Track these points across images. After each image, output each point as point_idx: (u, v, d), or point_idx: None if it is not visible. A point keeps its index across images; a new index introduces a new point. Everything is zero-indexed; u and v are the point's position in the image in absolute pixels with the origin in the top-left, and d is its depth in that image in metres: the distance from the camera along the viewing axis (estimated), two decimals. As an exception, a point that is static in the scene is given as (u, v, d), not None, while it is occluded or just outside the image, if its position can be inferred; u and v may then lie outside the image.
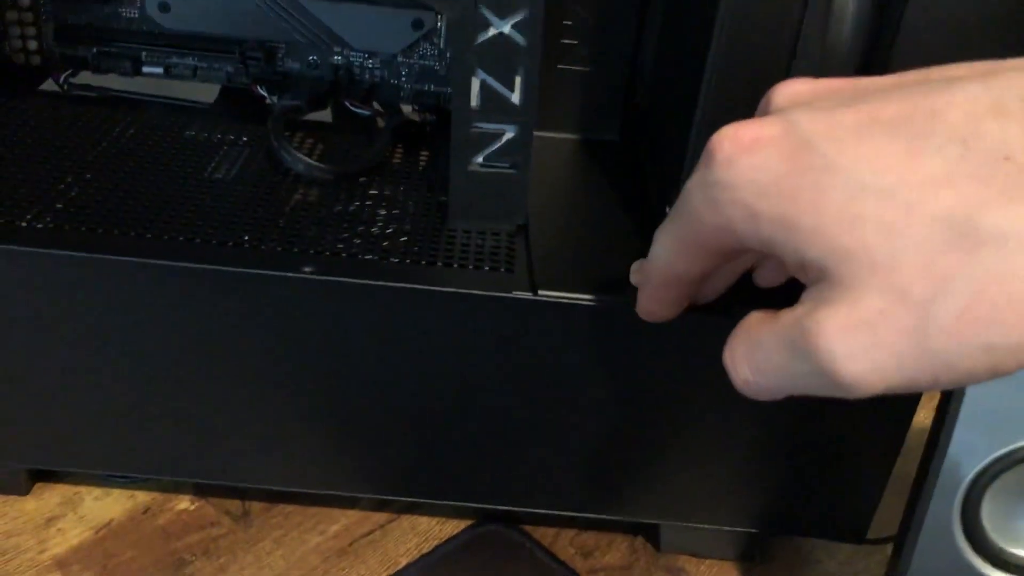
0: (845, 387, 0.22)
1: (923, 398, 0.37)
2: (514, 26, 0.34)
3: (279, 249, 0.35)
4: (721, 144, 0.23)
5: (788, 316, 0.23)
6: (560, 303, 0.34)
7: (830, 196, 0.22)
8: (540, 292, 0.34)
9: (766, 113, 0.25)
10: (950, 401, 0.31)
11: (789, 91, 0.25)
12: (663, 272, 0.28)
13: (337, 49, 0.45)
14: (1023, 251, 0.19)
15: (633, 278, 0.31)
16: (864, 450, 0.38)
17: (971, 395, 0.30)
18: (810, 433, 0.38)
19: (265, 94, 0.46)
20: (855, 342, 0.21)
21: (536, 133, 0.46)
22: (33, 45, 0.45)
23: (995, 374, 0.21)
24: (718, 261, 0.27)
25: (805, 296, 0.23)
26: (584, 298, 0.34)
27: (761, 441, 0.38)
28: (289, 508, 0.41)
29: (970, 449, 0.32)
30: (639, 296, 0.30)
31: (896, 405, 0.36)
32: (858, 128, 0.22)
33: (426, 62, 0.46)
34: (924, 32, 0.31)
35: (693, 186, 0.25)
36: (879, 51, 0.32)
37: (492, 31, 0.35)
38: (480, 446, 0.38)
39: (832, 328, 0.21)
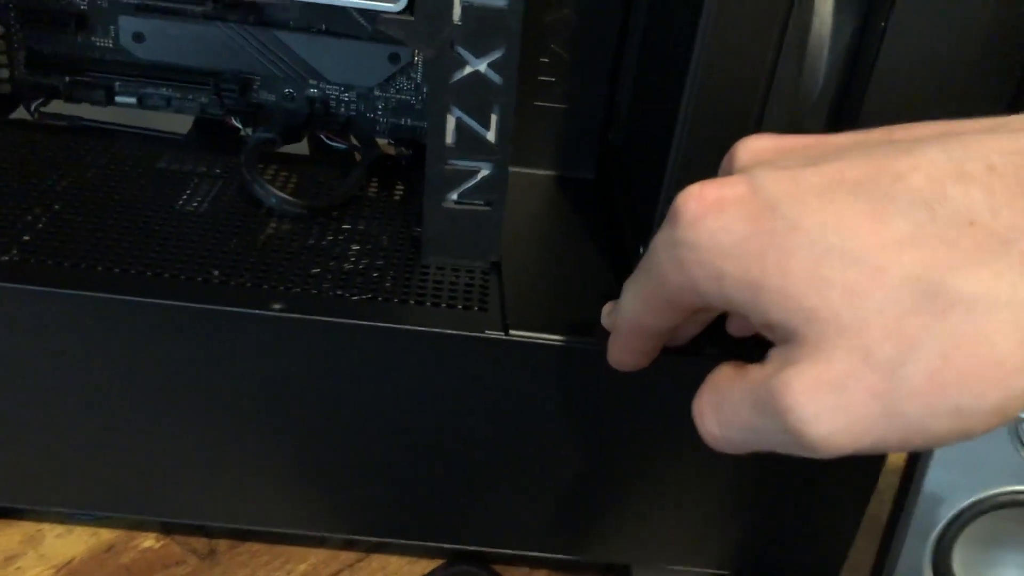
0: (812, 448, 0.21)
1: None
2: (490, 65, 0.34)
3: (248, 285, 0.35)
4: (686, 204, 0.23)
5: (756, 373, 0.23)
6: (532, 343, 0.34)
7: (795, 258, 0.21)
8: (512, 332, 0.34)
9: (730, 170, 0.25)
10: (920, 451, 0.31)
11: (752, 148, 0.25)
12: (631, 324, 0.28)
13: (313, 82, 0.45)
14: (991, 314, 0.19)
15: (604, 321, 0.31)
16: (837, 492, 0.38)
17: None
18: (783, 475, 0.38)
19: (239, 126, 0.45)
20: (822, 403, 0.21)
21: (512, 169, 0.46)
22: (4, 73, 0.45)
23: (964, 437, 0.21)
24: (685, 316, 0.27)
25: (773, 354, 0.23)
26: (556, 339, 0.34)
27: (733, 482, 0.38)
28: (256, 546, 0.41)
29: (942, 496, 0.32)
30: (609, 345, 0.30)
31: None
32: (822, 190, 0.22)
33: (403, 96, 0.46)
34: (896, 79, 0.31)
35: (659, 244, 0.25)
36: (852, 97, 0.33)
37: (468, 70, 0.35)
38: (451, 485, 0.37)
39: (799, 388, 0.21)
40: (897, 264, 0.20)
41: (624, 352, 0.30)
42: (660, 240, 0.25)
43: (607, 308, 0.31)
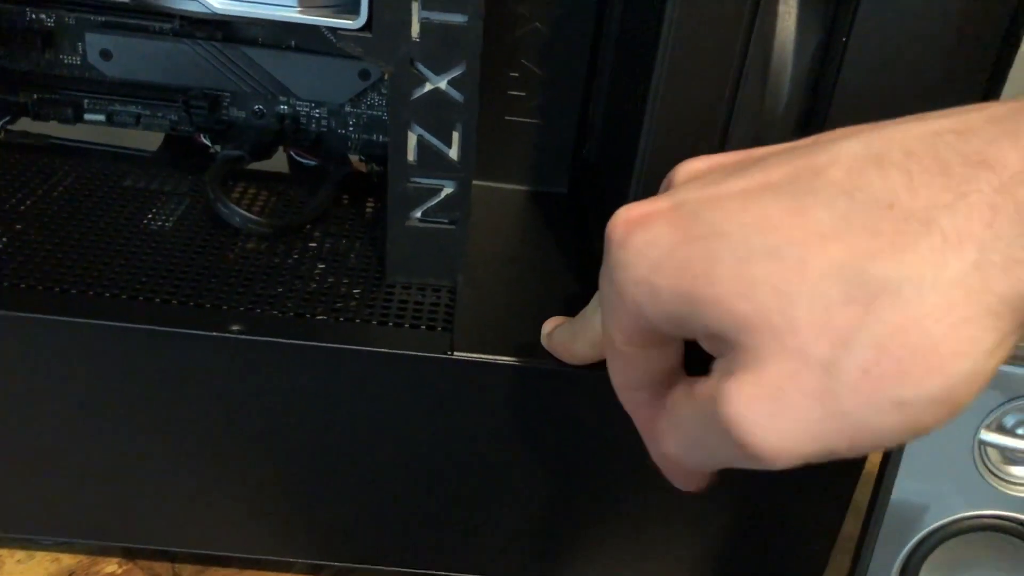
0: (759, 457, 0.21)
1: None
2: (450, 82, 0.34)
3: (209, 306, 0.34)
4: (615, 227, 0.23)
5: (702, 388, 0.23)
6: (491, 364, 0.33)
7: (722, 263, 0.21)
8: (475, 354, 0.33)
9: (668, 190, 0.25)
10: (884, 475, 0.31)
11: (687, 169, 0.25)
12: (621, 385, 0.27)
13: (283, 98, 0.45)
14: (920, 298, 0.19)
15: (543, 341, 0.31)
16: (812, 510, 0.37)
17: (907, 467, 0.30)
18: (757, 493, 0.37)
19: (209, 143, 0.45)
20: (762, 411, 0.20)
21: (484, 184, 0.46)
22: (-29, 92, 0.44)
23: (913, 432, 0.20)
24: (655, 346, 0.25)
25: (715, 366, 0.22)
26: (504, 359, 0.33)
27: (705, 502, 0.37)
28: (221, 572, 0.40)
29: (907, 521, 0.31)
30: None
31: (842, 464, 0.36)
32: (744, 195, 0.22)
33: (373, 112, 0.45)
34: (860, 92, 0.31)
35: (601, 278, 0.24)
36: (817, 112, 0.32)
37: (428, 87, 0.34)
38: (416, 509, 0.37)
39: (738, 399, 0.21)
40: (819, 255, 0.20)
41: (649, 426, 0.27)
42: (602, 274, 0.24)
43: (547, 327, 0.31)
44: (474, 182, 0.37)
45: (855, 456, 0.21)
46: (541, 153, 0.46)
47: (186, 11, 0.34)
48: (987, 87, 0.30)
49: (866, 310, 0.19)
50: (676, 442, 0.24)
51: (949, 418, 0.20)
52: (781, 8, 0.32)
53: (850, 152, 0.21)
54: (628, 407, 0.27)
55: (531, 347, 0.34)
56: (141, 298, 0.34)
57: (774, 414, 0.20)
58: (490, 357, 0.33)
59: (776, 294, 0.20)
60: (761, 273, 0.21)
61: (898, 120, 0.22)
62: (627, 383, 0.26)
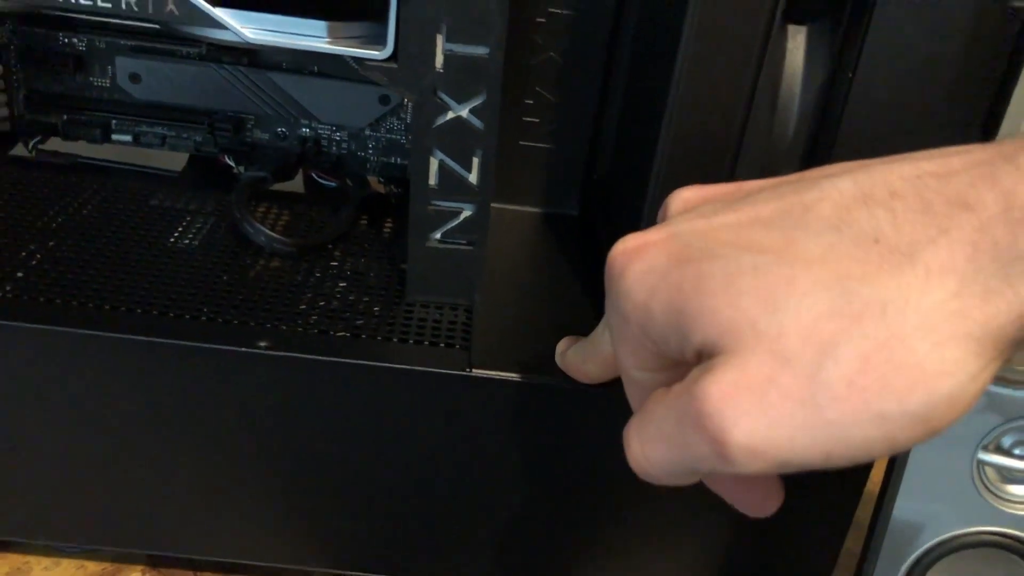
0: (731, 456, 0.21)
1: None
2: (472, 110, 0.35)
3: (235, 322, 0.36)
4: (615, 259, 0.25)
5: (678, 386, 0.23)
6: (508, 381, 0.35)
7: (711, 278, 0.22)
8: (493, 371, 0.35)
9: (663, 219, 0.27)
10: (886, 493, 0.32)
11: (681, 199, 0.27)
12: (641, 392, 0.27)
13: (305, 121, 0.46)
14: (901, 318, 0.20)
15: (557, 359, 0.32)
16: (814, 527, 0.39)
17: (907, 485, 0.31)
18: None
19: (232, 164, 0.46)
20: (741, 408, 0.21)
21: (498, 205, 0.48)
22: (4, 112, 0.46)
23: (891, 447, 0.21)
24: (665, 369, 0.26)
25: (694, 368, 0.23)
26: (519, 376, 0.35)
27: (705, 520, 0.38)
28: (241, 579, 0.41)
29: (907, 537, 0.32)
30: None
31: (846, 477, 0.37)
32: (737, 224, 0.23)
33: (393, 136, 0.47)
34: (865, 124, 0.32)
35: (608, 309, 0.25)
36: (824, 143, 0.33)
37: (450, 115, 0.35)
38: (433, 522, 0.38)
39: (717, 394, 0.21)
40: (808, 274, 0.21)
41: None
42: (607, 305, 0.26)
43: (561, 346, 0.32)
44: (491, 204, 0.38)
45: (823, 468, 0.21)
46: (554, 176, 0.47)
47: (219, 40, 0.35)
48: (988, 119, 0.32)
49: (853, 322, 0.20)
50: (645, 438, 0.24)
51: (924, 438, 0.20)
52: (790, 43, 0.33)
53: (838, 189, 0.22)
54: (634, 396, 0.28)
55: (546, 365, 0.35)
56: (171, 314, 0.36)
57: (752, 413, 0.21)
58: (507, 375, 0.34)
59: (763, 302, 0.21)
60: (749, 285, 0.21)
61: (885, 160, 0.23)
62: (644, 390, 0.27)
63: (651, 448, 0.24)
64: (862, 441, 0.20)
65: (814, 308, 0.21)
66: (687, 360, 0.24)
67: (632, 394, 0.27)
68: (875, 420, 0.20)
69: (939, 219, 0.20)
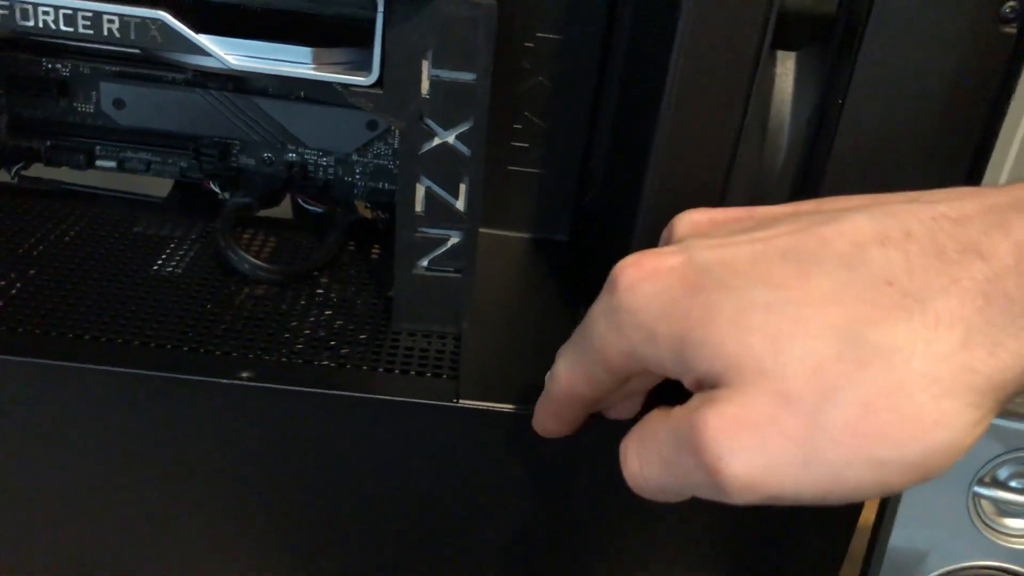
0: (726, 487, 0.22)
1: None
2: (458, 137, 0.35)
3: (218, 353, 0.35)
4: (624, 272, 0.24)
5: (680, 410, 0.23)
6: (497, 412, 0.34)
7: (720, 311, 0.22)
8: (480, 402, 0.34)
9: (669, 241, 0.27)
10: (881, 526, 0.31)
11: (690, 220, 0.27)
12: (565, 392, 0.28)
13: (292, 147, 0.46)
14: (906, 367, 0.20)
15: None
16: (807, 558, 0.38)
17: (903, 518, 0.30)
18: (753, 539, 0.38)
19: (218, 190, 0.46)
20: (740, 442, 0.21)
21: (487, 231, 0.47)
22: (-14, 137, 0.45)
23: (885, 491, 0.21)
24: (618, 384, 0.27)
25: (697, 394, 0.23)
26: (508, 407, 0.34)
27: (700, 552, 0.37)
28: (224, 615, 0.40)
29: (903, 570, 0.32)
30: (538, 411, 0.31)
31: (840, 510, 0.36)
32: (752, 256, 0.23)
33: (380, 161, 0.46)
34: (855, 154, 0.32)
35: (597, 312, 0.26)
36: (813, 172, 0.33)
37: (437, 141, 0.35)
38: (422, 554, 0.37)
39: (717, 426, 0.21)
40: (819, 316, 0.21)
41: (553, 419, 0.30)
42: (598, 308, 0.26)
43: (550, 375, 0.31)
44: (480, 230, 0.38)
45: (816, 505, 0.22)
46: (544, 202, 0.47)
47: (203, 67, 0.35)
48: (980, 145, 0.31)
49: (857, 368, 0.20)
50: (640, 457, 0.25)
51: (919, 483, 0.21)
52: (779, 69, 0.33)
53: (855, 226, 0.22)
54: (559, 395, 0.29)
55: (535, 395, 0.34)
56: (153, 344, 0.35)
57: (750, 447, 0.21)
58: (495, 405, 0.34)
59: (770, 341, 0.21)
60: (758, 322, 0.22)
61: (900, 197, 0.23)
62: (572, 389, 0.28)
63: (649, 468, 0.24)
64: (856, 484, 0.21)
65: (821, 352, 0.21)
66: (686, 385, 0.24)
67: (564, 402, 0.29)
68: (871, 465, 0.20)
69: (952, 267, 0.20)
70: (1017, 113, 0.30)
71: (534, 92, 0.44)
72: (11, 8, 0.33)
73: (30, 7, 0.33)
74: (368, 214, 0.47)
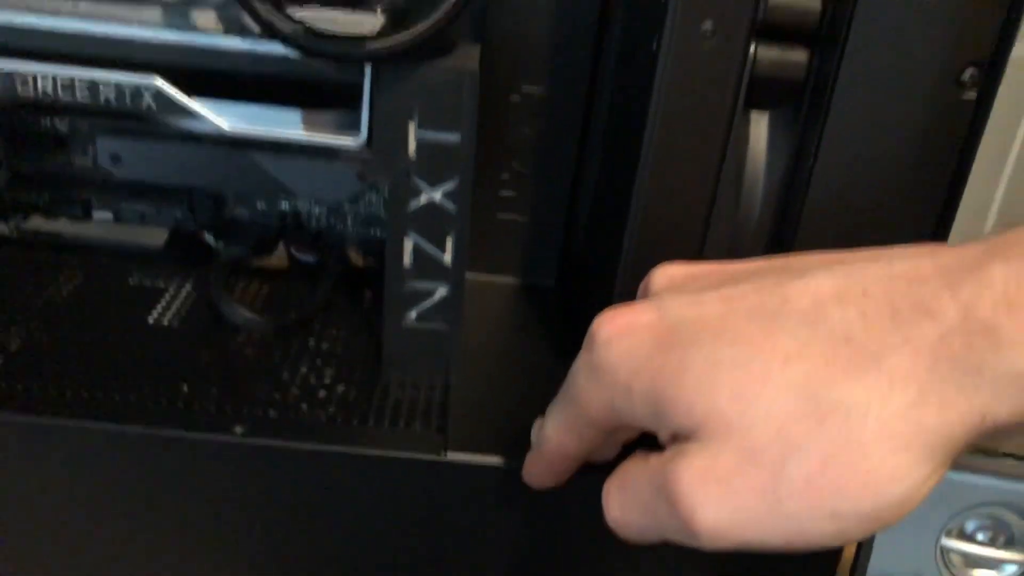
0: (698, 534, 0.23)
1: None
2: (445, 194, 0.36)
3: (212, 408, 0.36)
4: (601, 327, 0.26)
5: (656, 460, 0.25)
6: (485, 466, 0.35)
7: (690, 369, 0.24)
8: (468, 454, 0.35)
9: (646, 293, 0.28)
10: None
11: (665, 275, 0.28)
12: (555, 448, 0.30)
13: (284, 197, 0.47)
14: (864, 423, 0.21)
15: (533, 437, 0.33)
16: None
17: (873, 572, 0.31)
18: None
19: (212, 240, 0.47)
20: (710, 493, 0.23)
21: (475, 276, 0.48)
22: (-14, 192, 0.46)
23: (844, 540, 0.22)
24: (604, 437, 0.28)
25: (671, 444, 0.25)
26: (497, 460, 0.35)
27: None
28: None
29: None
30: (528, 464, 0.32)
31: (814, 560, 0.37)
32: (721, 312, 0.24)
33: (371, 209, 0.47)
34: (827, 208, 0.33)
35: (578, 368, 0.27)
36: (788, 225, 0.34)
37: (424, 198, 0.36)
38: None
39: (688, 477, 0.23)
40: (782, 373, 0.22)
41: (544, 474, 0.31)
42: (579, 364, 0.27)
43: (537, 424, 0.32)
44: (467, 275, 0.39)
45: (786, 551, 0.23)
46: (530, 248, 0.48)
47: (198, 131, 0.36)
48: (945, 203, 0.32)
49: (817, 424, 0.22)
50: (621, 502, 0.26)
51: (876, 531, 0.23)
52: (752, 128, 0.34)
53: (815, 284, 0.23)
54: (549, 452, 0.30)
55: (523, 447, 0.35)
56: (149, 402, 0.36)
57: (719, 498, 0.23)
58: (483, 457, 0.35)
59: (737, 399, 0.23)
60: (725, 379, 0.23)
61: (862, 255, 0.24)
62: (561, 446, 0.29)
63: (628, 512, 0.26)
64: (818, 533, 0.22)
65: (783, 410, 0.22)
66: (661, 438, 0.26)
67: (554, 458, 0.30)
68: (829, 516, 0.22)
69: (904, 326, 0.22)
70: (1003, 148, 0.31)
71: (520, 142, 0.46)
72: (11, 78, 0.34)
73: (29, 77, 0.34)
74: (359, 261, 0.48)
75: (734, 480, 0.22)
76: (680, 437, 0.24)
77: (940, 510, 0.31)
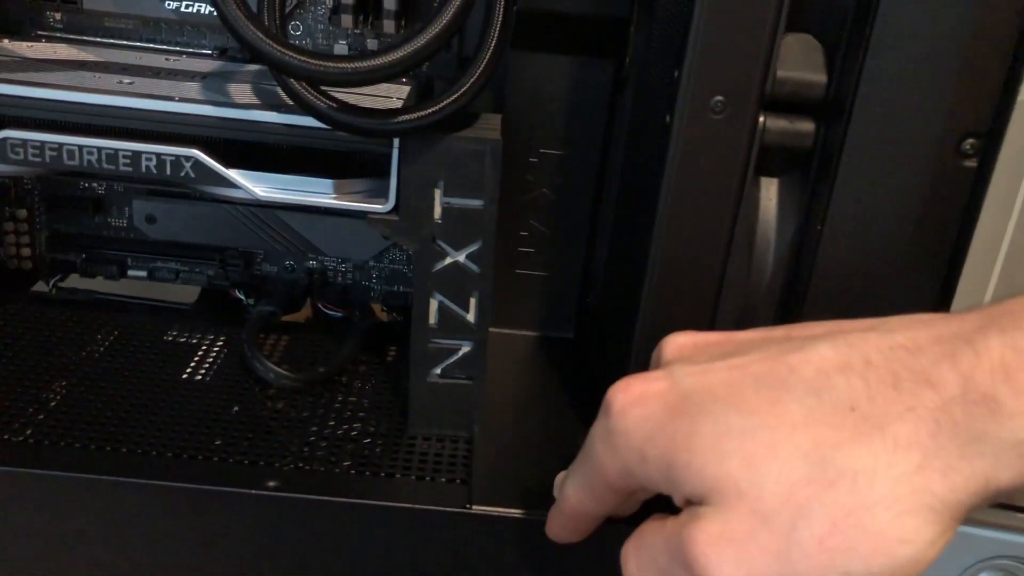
0: None
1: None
2: (468, 256, 0.38)
3: (246, 462, 0.37)
4: (616, 397, 0.27)
5: (672, 524, 0.26)
6: (508, 518, 0.36)
7: (701, 435, 0.25)
8: (492, 507, 0.36)
9: (658, 362, 0.29)
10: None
11: (675, 343, 0.29)
12: (575, 509, 0.31)
13: (312, 255, 0.49)
14: (869, 488, 0.22)
15: (556, 491, 0.34)
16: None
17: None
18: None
19: (243, 297, 0.49)
20: (724, 556, 0.23)
21: (497, 330, 0.50)
22: (26, 252, 0.48)
23: None
24: (623, 499, 0.30)
25: (686, 508, 0.26)
26: (536, 515, 0.36)
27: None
28: None
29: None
30: (551, 521, 0.33)
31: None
32: (729, 381, 0.25)
33: (396, 266, 0.49)
34: (835, 271, 0.34)
35: (595, 434, 0.28)
36: (798, 286, 0.35)
37: (448, 260, 0.38)
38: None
39: (703, 541, 0.24)
40: (790, 441, 0.23)
41: (565, 531, 0.32)
42: (596, 431, 0.28)
43: (559, 479, 0.34)
44: (489, 329, 0.40)
45: None
46: (549, 302, 0.49)
47: (232, 198, 0.38)
48: (949, 268, 0.34)
49: (825, 490, 0.23)
50: (639, 565, 0.27)
51: None
52: (763, 193, 0.36)
53: (819, 354, 0.25)
54: (570, 512, 0.31)
55: (546, 499, 0.36)
56: (185, 456, 0.37)
57: (732, 561, 0.23)
58: (507, 511, 0.36)
59: (746, 465, 0.24)
60: (735, 446, 0.24)
61: (860, 325, 0.25)
62: (580, 506, 0.30)
63: (645, 573, 0.27)
64: None
65: (792, 475, 0.23)
66: (675, 501, 0.27)
67: (575, 518, 0.31)
68: None
69: (906, 395, 0.23)
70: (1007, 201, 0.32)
71: (538, 201, 0.47)
72: (59, 151, 0.36)
73: (76, 149, 0.36)
74: (384, 316, 0.50)
75: (747, 543, 0.23)
76: (694, 500, 0.25)
77: (954, 563, 0.32)
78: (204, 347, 0.46)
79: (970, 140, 0.31)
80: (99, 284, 0.49)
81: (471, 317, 0.39)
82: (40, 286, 0.49)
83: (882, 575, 0.22)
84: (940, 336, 0.23)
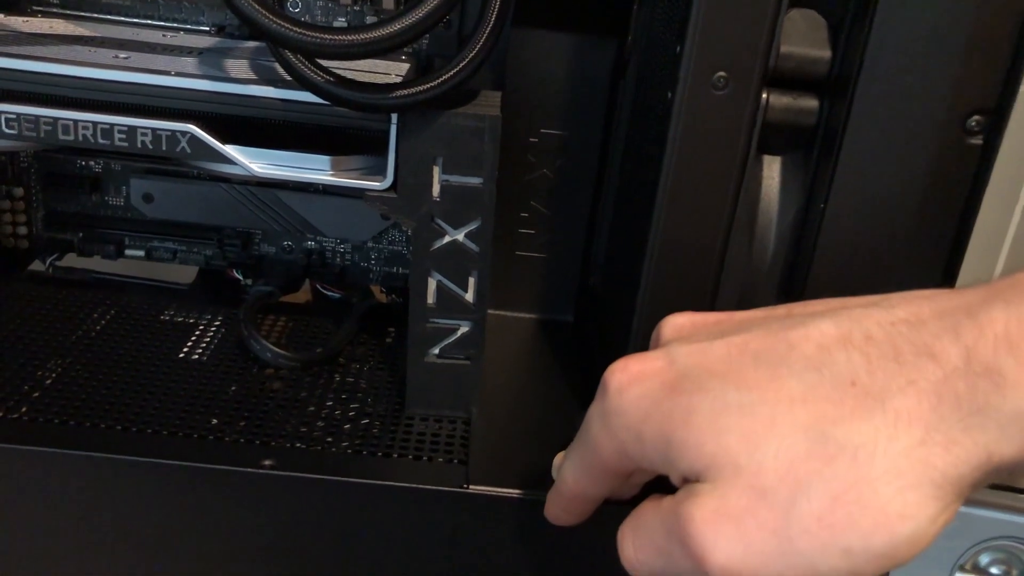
0: (710, 574, 0.23)
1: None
2: (467, 235, 0.37)
3: (242, 441, 0.37)
4: (613, 376, 0.27)
5: (669, 501, 0.25)
6: (505, 498, 0.36)
7: (698, 413, 0.24)
8: (489, 487, 0.36)
9: (657, 342, 0.29)
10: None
11: (674, 324, 0.29)
12: (572, 491, 0.30)
13: (310, 235, 0.48)
14: (870, 463, 0.22)
15: (554, 472, 0.34)
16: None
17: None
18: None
19: (240, 277, 0.48)
20: (721, 532, 0.23)
21: (495, 312, 0.49)
22: (23, 231, 0.48)
23: None
24: (621, 480, 0.29)
25: (682, 487, 0.25)
26: (517, 493, 0.36)
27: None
28: None
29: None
30: (549, 503, 0.32)
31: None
32: (727, 358, 0.25)
33: (395, 247, 0.49)
34: (837, 252, 0.34)
35: (592, 415, 0.28)
36: (799, 268, 0.35)
37: (447, 239, 0.37)
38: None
39: (700, 518, 0.23)
40: (790, 416, 0.23)
41: (563, 513, 0.32)
42: (593, 411, 0.28)
43: (557, 460, 0.33)
44: (489, 312, 0.40)
45: None
46: (549, 284, 0.49)
47: (229, 174, 0.37)
48: (952, 247, 0.33)
49: (825, 464, 0.22)
50: (636, 545, 0.27)
51: (887, 570, 0.22)
52: (765, 172, 0.35)
53: (819, 330, 0.24)
54: (567, 494, 0.31)
55: (543, 479, 0.36)
56: (180, 434, 0.37)
57: (730, 537, 0.23)
58: (504, 491, 0.36)
59: (745, 440, 0.23)
60: (734, 422, 0.24)
61: (862, 301, 0.25)
62: (578, 488, 0.30)
63: (643, 553, 0.26)
64: (830, 570, 0.23)
65: (791, 450, 0.23)
66: (672, 481, 0.26)
67: (573, 499, 0.31)
68: (841, 554, 0.22)
69: (908, 368, 0.22)
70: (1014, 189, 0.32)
71: (539, 183, 0.47)
72: (54, 124, 0.36)
73: (71, 123, 0.36)
74: (383, 298, 0.50)
75: (745, 519, 0.23)
76: (690, 478, 0.25)
77: (954, 544, 0.32)
78: (201, 327, 0.46)
79: (976, 117, 0.31)
80: (96, 263, 0.49)
81: (470, 296, 0.39)
82: (37, 265, 0.49)
83: (883, 552, 0.22)
84: (943, 310, 0.23)
